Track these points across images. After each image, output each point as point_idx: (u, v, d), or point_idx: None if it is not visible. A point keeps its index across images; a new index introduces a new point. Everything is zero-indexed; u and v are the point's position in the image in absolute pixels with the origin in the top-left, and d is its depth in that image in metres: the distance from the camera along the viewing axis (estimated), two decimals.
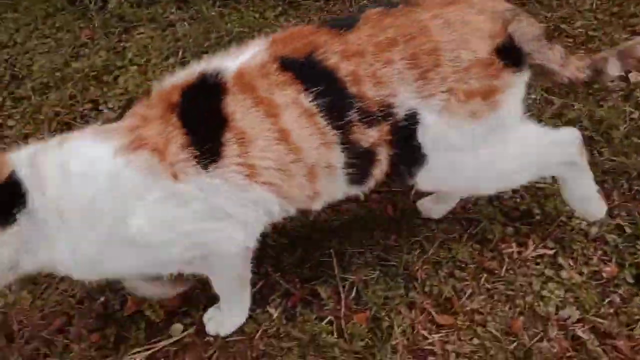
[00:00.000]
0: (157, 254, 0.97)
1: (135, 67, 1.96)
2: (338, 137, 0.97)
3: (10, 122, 1.86)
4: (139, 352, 1.09)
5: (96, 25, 2.18)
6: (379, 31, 0.97)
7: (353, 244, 1.19)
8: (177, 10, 2.26)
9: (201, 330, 1.11)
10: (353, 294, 1.11)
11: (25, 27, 2.28)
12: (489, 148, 1.02)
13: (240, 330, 1.09)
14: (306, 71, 0.96)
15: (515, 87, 1.00)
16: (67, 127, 1.77)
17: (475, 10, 0.99)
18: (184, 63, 1.92)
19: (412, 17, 0.98)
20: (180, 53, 1.97)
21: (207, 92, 0.96)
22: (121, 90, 1.88)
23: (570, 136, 1.12)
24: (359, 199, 1.30)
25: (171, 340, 1.10)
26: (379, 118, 0.97)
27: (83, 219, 0.91)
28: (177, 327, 1.13)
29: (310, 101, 0.95)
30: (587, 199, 1.18)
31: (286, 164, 0.97)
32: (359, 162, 1.00)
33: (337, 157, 0.99)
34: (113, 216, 0.91)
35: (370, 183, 1.06)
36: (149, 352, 1.09)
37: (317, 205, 1.06)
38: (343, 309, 1.08)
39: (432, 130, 0.98)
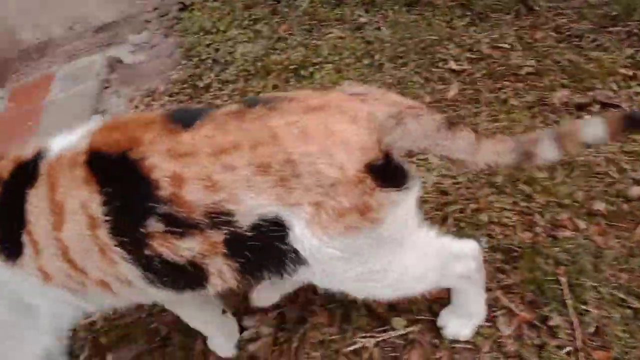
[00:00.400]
0: None
1: (330, 65, 2.07)
2: (126, 253, 0.86)
3: (218, 102, 2.06)
4: (365, 337, 1.16)
5: (292, 22, 2.33)
6: (219, 133, 0.83)
7: (584, 274, 1.17)
8: (365, 13, 2.35)
9: (426, 330, 1.16)
10: (591, 328, 1.09)
11: (226, 16, 2.50)
12: (380, 258, 0.90)
13: (468, 341, 1.12)
14: (110, 168, 0.85)
15: (399, 204, 0.86)
16: None
17: (347, 117, 0.84)
18: (380, 66, 2.00)
19: (263, 123, 0.83)
20: (375, 56, 2.04)
21: (25, 177, 0.89)
22: (318, 86, 1.99)
23: (472, 250, 1.03)
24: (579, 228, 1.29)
25: (397, 333, 1.16)
26: (203, 226, 0.82)
27: None
28: (400, 320, 1.19)
29: (99, 205, 0.84)
30: (468, 316, 1.12)
31: (75, 277, 0.91)
32: (171, 273, 0.88)
33: (128, 270, 0.88)
34: None
35: (214, 289, 0.92)
36: (376, 339, 1.15)
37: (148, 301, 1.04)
38: (579, 342, 1.07)
39: (304, 241, 0.84)
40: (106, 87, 2.31)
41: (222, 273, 0.88)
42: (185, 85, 2.19)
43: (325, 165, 0.80)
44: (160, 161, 0.82)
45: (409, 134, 0.85)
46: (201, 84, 2.15)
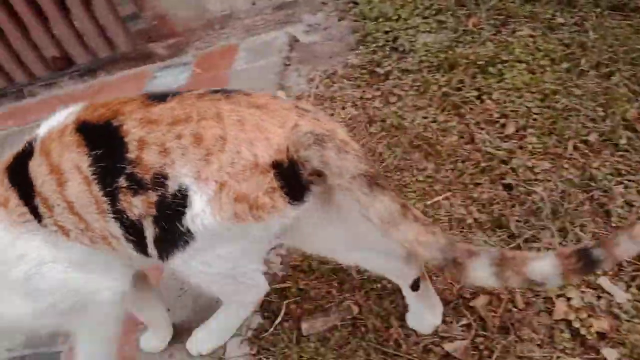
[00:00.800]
0: (38, 302, 1.02)
1: (522, 65, 1.95)
2: (108, 206, 0.97)
3: (397, 91, 2.05)
4: None
5: (481, 15, 2.24)
6: (179, 107, 0.97)
7: None
8: (561, 13, 2.17)
9: None
10: None
11: (409, 3, 2.46)
12: (238, 255, 1.02)
13: None
14: (96, 134, 0.97)
15: (285, 217, 0.94)
16: (455, 108, 1.86)
17: (277, 121, 0.95)
18: (582, 72, 1.84)
19: (214, 104, 0.96)
20: (577, 61, 1.88)
21: (25, 157, 1.01)
22: (508, 85, 1.89)
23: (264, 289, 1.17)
24: None
25: None
26: (148, 186, 0.94)
27: None
28: (611, 351, 1.10)
29: (88, 166, 0.96)
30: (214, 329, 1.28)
31: (85, 231, 1.00)
32: (134, 237, 0.99)
33: (114, 227, 0.99)
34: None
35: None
36: None
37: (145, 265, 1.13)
38: None
39: (200, 216, 0.93)
40: (287, 64, 2.41)
41: (149, 241, 1.00)
42: (363, 71, 2.21)
43: (246, 149, 0.92)
44: (133, 127, 0.96)
45: (325, 160, 0.90)
46: (380, 71, 2.15)
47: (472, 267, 0.86)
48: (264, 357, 1.28)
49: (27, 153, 1.02)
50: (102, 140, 0.97)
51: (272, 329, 1.32)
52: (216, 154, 0.92)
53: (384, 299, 1.32)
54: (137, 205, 0.96)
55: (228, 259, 1.03)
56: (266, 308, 1.39)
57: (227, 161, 0.92)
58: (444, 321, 1.23)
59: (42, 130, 1.03)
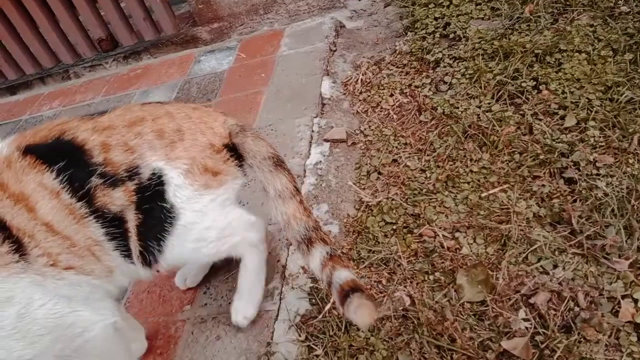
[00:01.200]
0: (35, 345, 0.92)
1: (582, 55, 1.86)
2: (85, 208, 1.02)
3: (448, 79, 1.98)
4: None
5: (539, 3, 2.14)
6: (128, 113, 1.15)
7: None
8: (624, 1, 2.06)
9: None
10: None
11: None
12: (212, 217, 1.17)
13: None
14: (50, 151, 1.02)
15: (236, 177, 1.22)
16: (510, 98, 1.79)
17: (212, 117, 1.23)
18: None
19: (160, 106, 1.20)
20: None
21: None
22: (567, 76, 1.80)
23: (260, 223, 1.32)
24: None
25: None
26: (125, 178, 1.06)
27: None
28: None
29: (53, 179, 1.00)
30: (246, 292, 1.33)
31: (69, 249, 0.99)
32: (116, 231, 1.06)
33: (95, 230, 1.03)
34: None
35: (136, 258, 1.11)
36: None
37: (124, 281, 1.13)
38: None
39: (180, 190, 1.11)
40: (333, 50, 2.37)
41: (131, 232, 1.08)
42: (412, 58, 2.15)
43: (201, 136, 1.17)
44: (88, 136, 1.06)
45: (247, 146, 1.22)
46: (430, 58, 2.09)
47: (313, 252, 1.12)
48: (312, 343, 1.26)
49: None
50: (59, 155, 1.02)
51: (320, 316, 1.30)
52: (178, 142, 1.14)
53: (437, 292, 1.28)
54: (119, 197, 1.06)
55: (213, 227, 1.20)
56: (314, 295, 1.37)
57: (190, 144, 1.15)
58: (501, 316, 1.18)
59: None
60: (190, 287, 1.50)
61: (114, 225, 1.05)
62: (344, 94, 2.10)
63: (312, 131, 1.92)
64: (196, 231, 1.16)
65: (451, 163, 1.62)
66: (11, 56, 3.18)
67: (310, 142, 1.88)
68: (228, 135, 1.22)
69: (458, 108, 1.80)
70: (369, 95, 2.03)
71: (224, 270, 1.52)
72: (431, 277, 1.32)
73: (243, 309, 1.33)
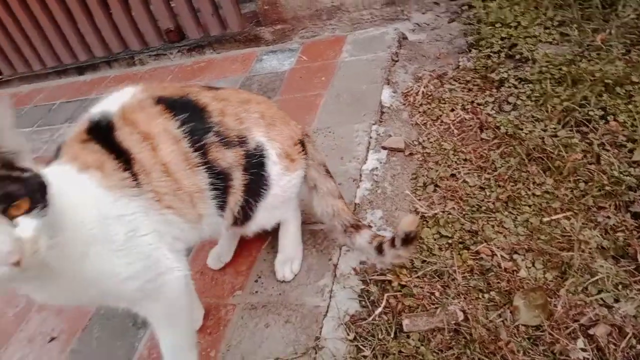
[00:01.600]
0: (131, 264, 1.02)
1: None
2: (199, 157, 1.15)
3: (511, 99, 1.97)
4: None
5: (612, 32, 2.10)
6: (239, 93, 1.38)
7: None
8: None
9: None
10: None
11: (530, 12, 2.36)
12: (285, 194, 1.38)
13: None
14: (177, 105, 1.17)
15: (303, 169, 1.42)
16: (577, 125, 1.76)
17: (288, 118, 1.44)
18: None
19: (258, 96, 1.46)
20: None
21: (104, 131, 1.08)
22: (637, 109, 1.76)
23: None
24: None
25: None
26: (235, 143, 1.22)
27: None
28: None
29: (176, 128, 1.13)
30: (291, 250, 1.53)
31: (175, 191, 1.11)
32: (219, 183, 1.19)
33: (202, 178, 1.16)
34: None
35: (228, 214, 1.28)
36: None
37: (205, 232, 1.25)
38: None
39: (274, 167, 1.31)
40: (395, 60, 2.39)
41: (235, 190, 1.25)
42: (476, 75, 2.14)
43: (286, 128, 1.38)
44: (209, 101, 1.22)
45: (309, 149, 1.46)
46: (495, 77, 2.08)
47: (362, 233, 1.39)
48: (361, 344, 1.27)
49: (104, 125, 1.10)
50: (184, 109, 1.16)
51: (370, 319, 1.31)
52: (272, 127, 1.33)
53: (491, 311, 1.27)
54: (230, 156, 1.21)
55: (284, 202, 1.42)
56: (364, 297, 1.38)
57: (279, 132, 1.34)
58: (558, 343, 1.16)
59: (111, 107, 1.13)
60: (225, 262, 1.62)
61: (218, 178, 1.19)
62: (404, 104, 2.12)
63: (370, 137, 1.94)
64: (277, 202, 1.37)
65: (512, 184, 1.60)
66: (84, 38, 3.34)
67: (368, 147, 1.90)
68: (301, 134, 1.43)
69: (522, 130, 1.78)
70: (429, 108, 2.03)
71: (271, 262, 1.55)
72: (486, 295, 1.31)
73: (290, 263, 1.51)
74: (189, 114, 1.16)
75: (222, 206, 1.24)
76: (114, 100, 1.15)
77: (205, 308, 1.47)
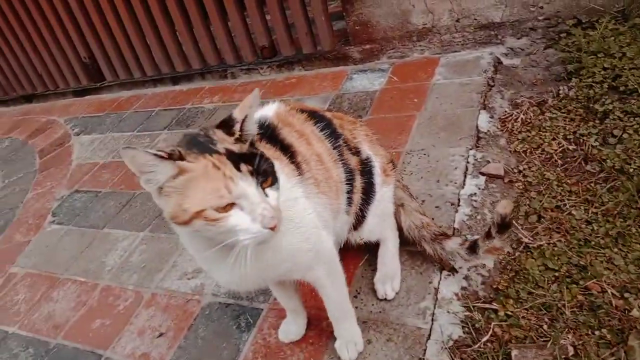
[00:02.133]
0: (306, 239, 1.20)
1: None
2: (337, 155, 1.39)
3: (617, 132, 1.91)
4: None
5: None
6: (343, 115, 1.61)
7: None
8: None
9: None
10: None
11: (637, 43, 2.29)
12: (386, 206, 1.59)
13: None
14: (315, 115, 1.42)
15: (392, 184, 1.60)
16: None
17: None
18: None
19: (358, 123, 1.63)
20: None
21: (269, 131, 1.26)
22: None
23: None
24: None
25: None
26: (354, 152, 1.47)
27: None
28: None
29: (319, 131, 1.38)
30: (391, 269, 1.62)
31: (327, 180, 1.31)
32: (350, 180, 1.41)
33: (341, 172, 1.39)
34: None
35: (352, 210, 1.47)
36: None
37: (335, 230, 1.41)
38: None
39: (377, 177, 1.52)
40: (491, 85, 2.39)
41: (357, 189, 1.45)
42: (578, 105, 2.10)
43: (381, 149, 1.60)
44: (331, 117, 1.49)
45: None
46: (598, 108, 2.03)
47: (453, 239, 1.53)
48: None
49: (266, 126, 1.29)
50: (320, 119, 1.42)
51: (476, 346, 1.33)
52: (373, 145, 1.56)
53: (603, 349, 1.25)
54: (353, 160, 1.44)
55: (385, 211, 1.57)
56: (467, 324, 1.40)
57: (378, 150, 1.56)
58: None
59: (268, 113, 1.35)
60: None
61: (349, 175, 1.41)
62: (501, 130, 2.11)
63: (467, 162, 1.95)
64: (379, 210, 1.53)
65: (622, 220, 1.56)
66: (182, 49, 3.58)
67: (465, 172, 1.91)
68: (389, 157, 1.65)
69: (630, 165, 1.73)
70: (528, 136, 2.02)
71: (370, 279, 1.60)
72: (597, 332, 1.29)
73: (390, 281, 1.56)
74: (325, 123, 1.41)
75: (349, 202, 1.43)
76: (265, 111, 1.36)
77: (307, 317, 1.54)
